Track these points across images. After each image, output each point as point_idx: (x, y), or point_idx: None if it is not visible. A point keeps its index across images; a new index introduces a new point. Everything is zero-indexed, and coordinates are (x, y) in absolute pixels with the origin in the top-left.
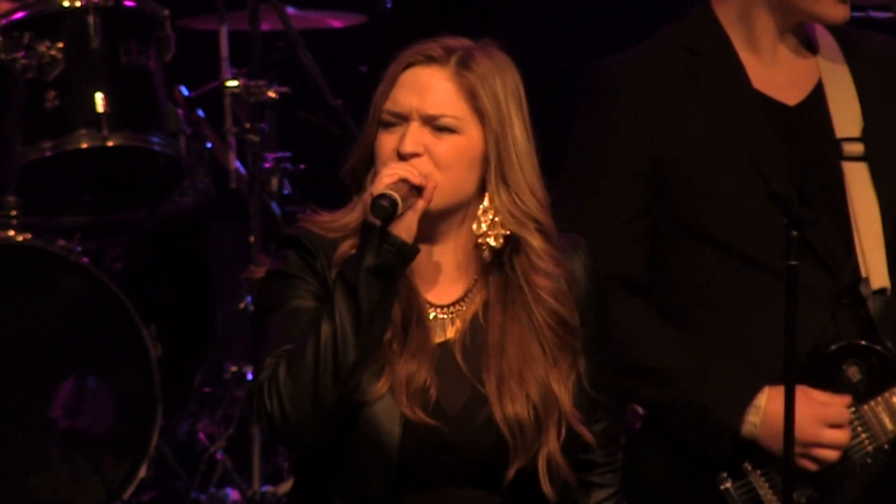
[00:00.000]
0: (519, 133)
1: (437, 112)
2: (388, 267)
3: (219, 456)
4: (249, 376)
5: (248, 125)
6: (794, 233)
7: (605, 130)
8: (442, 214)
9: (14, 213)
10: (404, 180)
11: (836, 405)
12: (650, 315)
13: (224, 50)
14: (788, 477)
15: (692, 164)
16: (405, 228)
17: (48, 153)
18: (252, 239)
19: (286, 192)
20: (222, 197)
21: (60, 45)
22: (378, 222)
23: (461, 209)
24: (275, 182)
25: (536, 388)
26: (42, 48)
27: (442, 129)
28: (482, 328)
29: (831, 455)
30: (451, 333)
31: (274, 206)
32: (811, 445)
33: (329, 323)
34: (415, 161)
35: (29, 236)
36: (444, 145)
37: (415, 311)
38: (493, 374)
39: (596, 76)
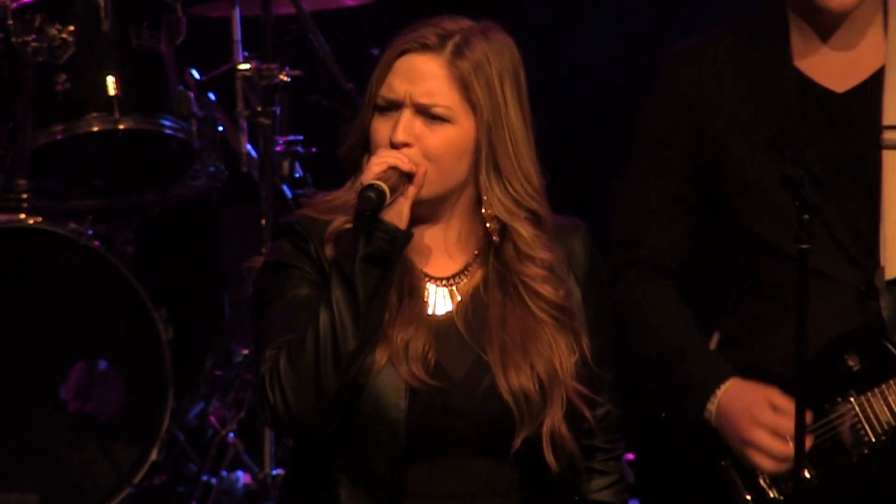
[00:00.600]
0: (514, 117)
1: (430, 101)
2: (381, 254)
3: (230, 439)
4: None
5: (259, 108)
6: (805, 216)
7: (653, 116)
8: (434, 200)
9: (25, 196)
10: (394, 168)
11: (787, 413)
12: (662, 302)
13: (236, 33)
14: (797, 468)
15: (729, 151)
16: (397, 215)
17: (59, 137)
18: (263, 222)
19: (297, 175)
20: (233, 180)
21: (71, 28)
22: (368, 212)
23: (455, 192)
24: (286, 165)
25: (542, 362)
26: (53, 31)
27: (434, 117)
28: (483, 302)
29: (762, 462)
30: (451, 305)
31: (285, 189)
32: (745, 444)
33: (327, 312)
34: (405, 150)
35: (40, 220)
36: (435, 138)
37: (407, 283)
38: (497, 345)
39: (657, 61)
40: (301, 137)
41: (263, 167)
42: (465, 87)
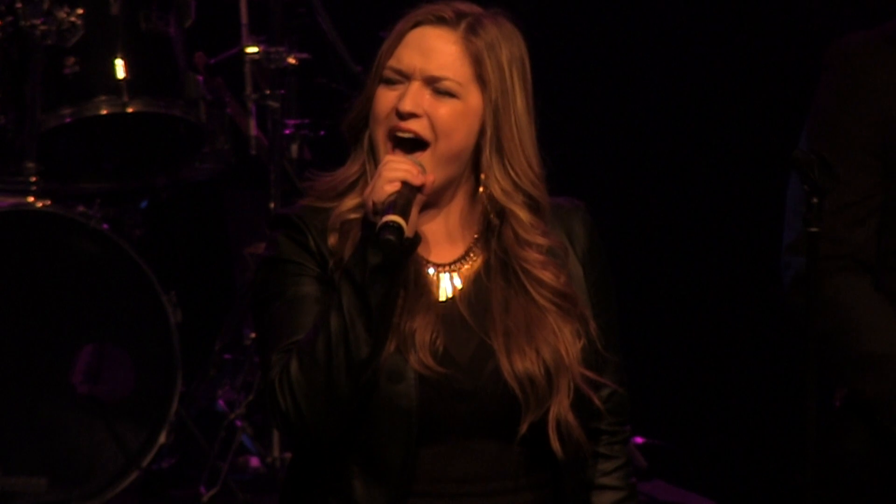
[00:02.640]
0: (520, 104)
1: (440, 74)
2: (392, 262)
3: (238, 423)
4: None
5: (267, 91)
6: (815, 200)
7: (840, 108)
8: (438, 188)
9: (34, 179)
10: (405, 182)
11: None
12: (877, 300)
13: (244, 16)
14: (803, 468)
15: None
16: (408, 225)
17: (68, 119)
18: (272, 205)
19: (306, 158)
20: (242, 163)
21: (80, 11)
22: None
23: (457, 178)
24: (295, 148)
25: (547, 349)
26: (62, 14)
27: (442, 92)
28: (486, 286)
29: None
30: (454, 291)
31: (294, 172)
32: None
33: (338, 320)
34: (412, 122)
35: (49, 202)
36: (444, 108)
37: (412, 272)
38: (500, 330)
39: (835, 52)
40: (309, 120)
41: (272, 150)
42: (477, 64)
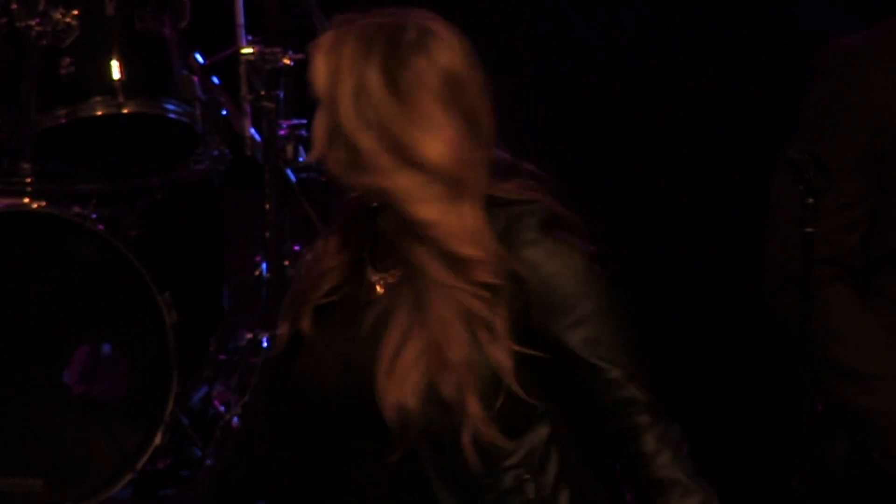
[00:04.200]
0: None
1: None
2: None
3: (234, 423)
4: (264, 343)
5: (263, 92)
6: (810, 200)
7: (832, 113)
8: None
9: (29, 180)
10: None
11: None
12: (868, 316)
13: (239, 17)
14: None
15: None
16: None
17: (63, 120)
18: (267, 206)
19: (301, 159)
20: (237, 164)
21: (75, 11)
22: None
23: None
24: (290, 149)
25: (451, 374)
26: (57, 15)
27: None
28: (402, 295)
29: None
30: (374, 295)
31: (289, 173)
32: None
33: None
34: None
35: (44, 203)
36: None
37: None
38: (390, 348)
39: (826, 57)
40: (305, 121)
41: (267, 151)
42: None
